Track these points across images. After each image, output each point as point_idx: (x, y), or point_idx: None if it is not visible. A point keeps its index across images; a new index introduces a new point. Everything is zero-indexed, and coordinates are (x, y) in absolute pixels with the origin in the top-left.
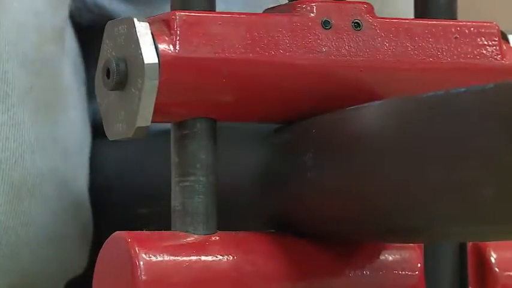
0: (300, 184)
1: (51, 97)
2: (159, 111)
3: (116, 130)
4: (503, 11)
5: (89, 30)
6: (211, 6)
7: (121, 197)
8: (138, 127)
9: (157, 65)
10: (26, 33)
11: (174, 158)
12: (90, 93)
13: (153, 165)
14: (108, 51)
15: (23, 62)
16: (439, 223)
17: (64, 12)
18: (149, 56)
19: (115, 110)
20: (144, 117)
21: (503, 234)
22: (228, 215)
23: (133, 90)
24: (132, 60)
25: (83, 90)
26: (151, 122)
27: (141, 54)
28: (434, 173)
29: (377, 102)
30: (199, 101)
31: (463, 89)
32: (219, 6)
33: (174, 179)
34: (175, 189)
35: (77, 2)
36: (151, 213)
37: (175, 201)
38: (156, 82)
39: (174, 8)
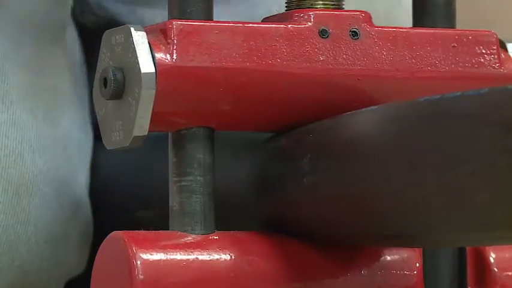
0: (297, 189)
1: (50, 96)
2: (156, 121)
3: (113, 139)
4: (504, 15)
5: (93, 32)
6: (208, 16)
7: (121, 199)
8: (135, 136)
9: (154, 74)
10: (26, 33)
11: (171, 158)
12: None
13: (153, 167)
14: (105, 60)
15: (22, 61)
16: (435, 229)
17: (64, 12)
18: (146, 66)
19: (112, 119)
20: (141, 126)
21: (500, 239)
22: (226, 218)
23: (130, 99)
24: (129, 70)
25: (84, 91)
26: (148, 131)
27: (138, 63)
28: (430, 179)
29: (373, 108)
30: (197, 110)
31: (458, 94)
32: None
33: (171, 179)
34: (173, 189)
35: (80, 3)
36: (151, 216)
37: (173, 201)
38: (153, 91)
39: (171, 17)
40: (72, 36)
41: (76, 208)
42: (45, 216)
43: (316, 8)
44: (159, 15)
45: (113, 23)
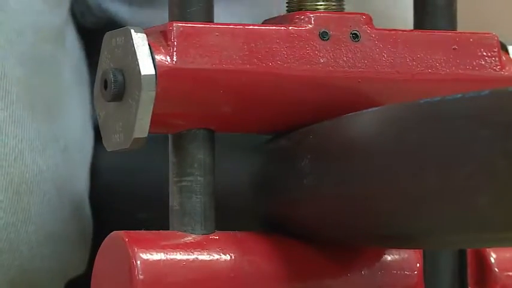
0: (297, 190)
1: (50, 96)
2: (156, 122)
3: (113, 141)
4: (505, 17)
5: (94, 33)
6: (208, 18)
7: (121, 200)
8: (136, 138)
9: (154, 76)
10: (24, 32)
11: (172, 158)
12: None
13: (154, 169)
14: (106, 62)
15: (21, 61)
16: (436, 230)
17: (63, 12)
18: (146, 67)
19: (113, 121)
20: (141, 128)
21: (500, 241)
22: (226, 218)
23: (130, 101)
24: (130, 72)
25: (85, 91)
26: (149, 132)
27: (138, 65)
28: (430, 180)
29: (373, 109)
30: (197, 112)
31: (458, 96)
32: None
33: (172, 179)
34: (173, 189)
35: (81, 4)
36: (151, 216)
37: (173, 201)
38: (153, 93)
39: (171, 18)
40: (72, 36)
41: (76, 207)
42: (45, 214)
43: (317, 10)
44: (159, 16)
45: (113, 23)
